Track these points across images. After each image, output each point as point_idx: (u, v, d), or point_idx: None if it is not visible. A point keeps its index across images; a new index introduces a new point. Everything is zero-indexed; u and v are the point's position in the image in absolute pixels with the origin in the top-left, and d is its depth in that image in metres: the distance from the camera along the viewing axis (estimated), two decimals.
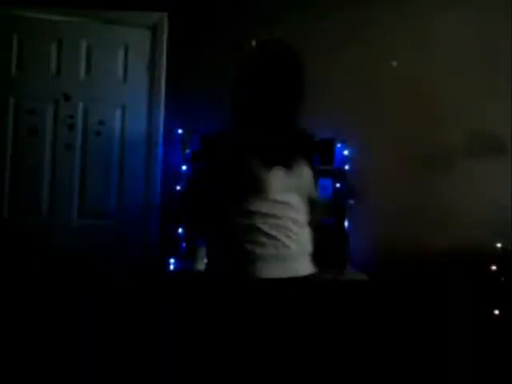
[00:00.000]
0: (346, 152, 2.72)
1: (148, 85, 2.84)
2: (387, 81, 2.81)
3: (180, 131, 2.75)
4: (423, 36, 2.84)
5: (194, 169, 2.54)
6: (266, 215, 1.53)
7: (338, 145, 2.72)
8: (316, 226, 1.64)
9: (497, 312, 2.57)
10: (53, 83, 2.78)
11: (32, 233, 2.71)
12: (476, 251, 2.70)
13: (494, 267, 2.64)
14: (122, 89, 2.83)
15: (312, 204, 1.66)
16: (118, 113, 2.82)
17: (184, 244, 2.70)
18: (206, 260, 2.46)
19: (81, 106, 2.79)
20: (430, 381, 2.67)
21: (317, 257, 1.66)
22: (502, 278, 2.57)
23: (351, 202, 2.65)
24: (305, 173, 1.65)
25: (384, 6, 2.84)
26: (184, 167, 2.72)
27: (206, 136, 2.44)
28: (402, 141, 2.81)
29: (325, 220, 2.20)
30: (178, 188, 2.70)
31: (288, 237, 1.54)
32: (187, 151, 2.71)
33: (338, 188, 2.67)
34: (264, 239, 1.52)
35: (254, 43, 2.77)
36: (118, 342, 2.64)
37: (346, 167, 2.70)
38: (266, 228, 1.52)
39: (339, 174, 2.69)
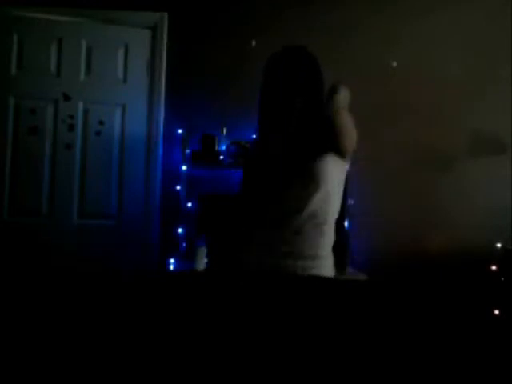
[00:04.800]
0: None
1: (148, 85, 2.84)
2: (387, 81, 2.81)
3: (180, 131, 2.75)
4: (423, 36, 2.84)
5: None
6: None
7: None
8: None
9: (497, 312, 2.57)
10: (53, 83, 2.78)
11: (32, 233, 2.71)
12: (476, 251, 2.71)
13: (493, 267, 2.64)
14: (122, 89, 2.83)
15: None
16: (118, 113, 2.82)
17: (184, 244, 2.70)
18: (206, 260, 2.48)
19: (81, 106, 2.79)
20: (429, 381, 2.67)
21: None
22: (502, 278, 2.57)
23: (351, 202, 2.65)
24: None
25: (384, 6, 2.85)
26: (184, 167, 2.72)
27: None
28: (403, 141, 2.81)
29: None
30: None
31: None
32: (187, 151, 2.71)
33: None
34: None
35: (253, 43, 2.78)
36: (118, 341, 2.64)
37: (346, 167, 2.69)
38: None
39: None
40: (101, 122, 2.80)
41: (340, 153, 1.58)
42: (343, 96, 1.62)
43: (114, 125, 2.81)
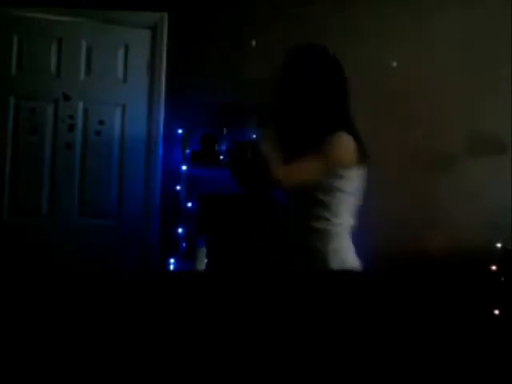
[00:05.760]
0: None
1: (148, 85, 2.84)
2: (387, 81, 2.81)
3: (180, 131, 2.75)
4: (423, 36, 2.84)
5: None
6: None
7: None
8: None
9: (497, 312, 2.57)
10: (53, 83, 2.78)
11: (32, 233, 2.71)
12: (476, 251, 2.70)
13: (493, 267, 2.64)
14: (122, 89, 2.83)
15: None
16: (118, 113, 2.82)
17: (184, 244, 2.70)
18: (206, 260, 2.48)
19: (81, 106, 2.79)
20: (429, 381, 2.67)
21: None
22: (502, 278, 2.57)
23: None
24: None
25: (384, 6, 2.85)
26: (184, 167, 2.72)
27: None
28: (402, 141, 2.81)
29: None
30: None
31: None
32: (187, 151, 2.71)
33: None
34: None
35: (253, 43, 2.78)
36: (117, 342, 2.64)
37: None
38: None
39: None
40: (101, 122, 2.79)
41: None
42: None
43: (114, 125, 2.81)
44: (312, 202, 1.63)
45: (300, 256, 1.63)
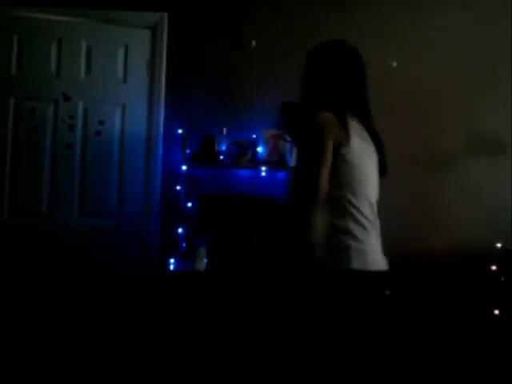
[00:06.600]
0: None
1: (148, 85, 2.84)
2: (387, 81, 2.81)
3: (180, 131, 2.75)
4: (423, 36, 2.84)
5: None
6: None
7: None
8: None
9: (497, 312, 2.57)
10: (53, 83, 2.78)
11: (32, 233, 2.72)
12: (476, 251, 2.71)
13: (493, 267, 2.64)
14: (122, 89, 2.83)
15: None
16: (118, 113, 2.82)
17: (184, 244, 2.70)
18: (206, 260, 2.48)
19: (81, 105, 2.79)
20: (429, 381, 2.67)
21: None
22: (502, 278, 2.57)
23: None
24: None
25: (384, 6, 2.85)
26: (184, 167, 2.72)
27: None
28: (403, 141, 2.81)
29: None
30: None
31: None
32: (187, 151, 2.71)
33: None
34: None
35: (253, 43, 2.78)
36: (118, 341, 2.64)
37: None
38: None
39: None
40: (101, 122, 2.79)
41: None
42: None
43: (114, 125, 2.81)
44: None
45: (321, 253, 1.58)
